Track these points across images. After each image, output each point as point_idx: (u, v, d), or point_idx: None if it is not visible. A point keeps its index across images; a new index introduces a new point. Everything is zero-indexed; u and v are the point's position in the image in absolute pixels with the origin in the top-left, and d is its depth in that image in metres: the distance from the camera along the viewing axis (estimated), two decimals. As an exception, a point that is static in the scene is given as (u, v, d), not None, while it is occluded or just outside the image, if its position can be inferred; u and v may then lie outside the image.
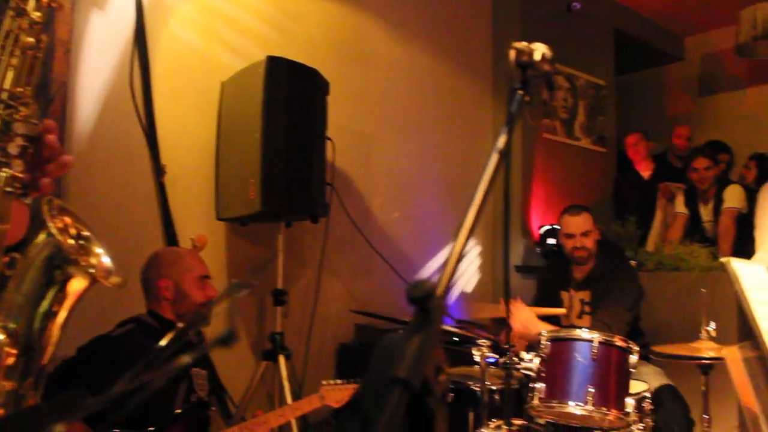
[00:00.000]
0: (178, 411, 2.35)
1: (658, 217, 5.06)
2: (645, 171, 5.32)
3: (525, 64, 1.00)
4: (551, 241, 4.58)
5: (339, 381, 2.65)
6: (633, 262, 4.13)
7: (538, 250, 4.70)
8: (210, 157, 3.39)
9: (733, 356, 1.24)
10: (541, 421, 2.78)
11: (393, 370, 0.62)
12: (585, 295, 3.48)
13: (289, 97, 3.11)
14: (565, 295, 3.54)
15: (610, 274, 3.43)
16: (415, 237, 4.36)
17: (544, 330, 2.70)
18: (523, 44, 0.99)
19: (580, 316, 3.46)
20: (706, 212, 4.76)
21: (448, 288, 0.72)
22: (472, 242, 4.75)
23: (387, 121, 4.27)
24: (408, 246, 4.28)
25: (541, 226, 4.80)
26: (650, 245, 4.81)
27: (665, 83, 7.06)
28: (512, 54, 0.96)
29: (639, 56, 6.46)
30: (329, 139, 3.38)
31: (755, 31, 4.94)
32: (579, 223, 3.50)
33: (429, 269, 4.42)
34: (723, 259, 1.26)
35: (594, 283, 3.46)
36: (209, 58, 3.45)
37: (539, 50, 1.01)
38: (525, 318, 3.26)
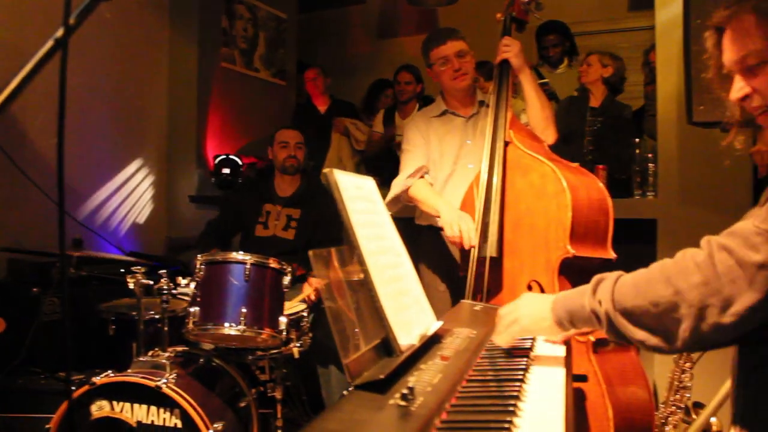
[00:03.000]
0: None
1: (332, 149, 5.31)
2: (321, 105, 5.51)
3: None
4: (226, 170, 4.59)
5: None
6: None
7: (213, 180, 4.67)
8: None
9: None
10: (208, 346, 2.82)
11: None
12: (294, 212, 3.65)
13: None
14: (270, 206, 3.67)
15: (320, 200, 3.58)
16: (82, 164, 4.06)
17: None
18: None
19: (285, 229, 3.62)
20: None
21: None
22: (143, 172, 4.56)
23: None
24: (74, 174, 3.96)
25: (217, 156, 4.78)
26: (323, 176, 5.03)
27: (348, 24, 7.36)
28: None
29: (324, -5, 6.63)
30: (-30, 50, 2.99)
31: (423, -19, 5.38)
32: (294, 134, 3.77)
33: (98, 198, 4.17)
34: (326, 170, 1.36)
35: (302, 203, 3.66)
36: None
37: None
38: None
